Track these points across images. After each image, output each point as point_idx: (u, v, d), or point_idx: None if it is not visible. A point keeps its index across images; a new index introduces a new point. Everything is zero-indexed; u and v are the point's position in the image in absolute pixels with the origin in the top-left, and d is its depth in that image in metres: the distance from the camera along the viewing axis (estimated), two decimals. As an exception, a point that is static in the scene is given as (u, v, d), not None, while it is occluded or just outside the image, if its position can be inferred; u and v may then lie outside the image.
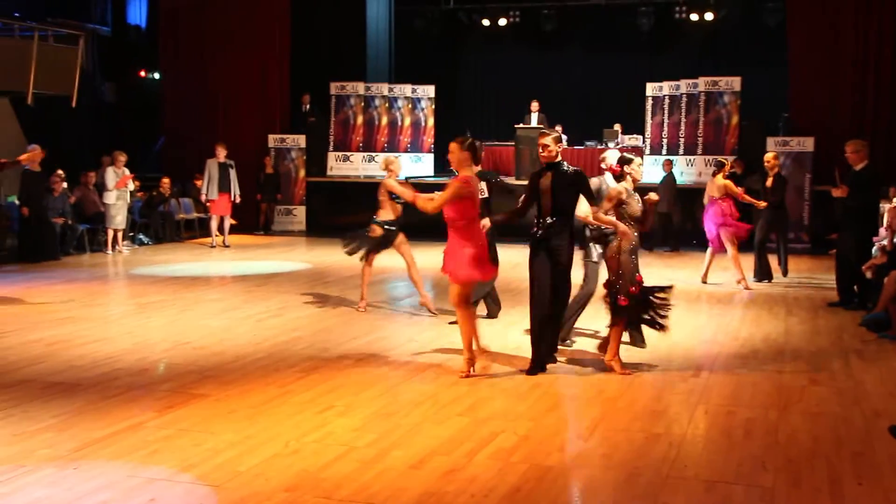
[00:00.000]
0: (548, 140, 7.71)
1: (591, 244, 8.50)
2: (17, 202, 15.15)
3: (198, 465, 5.40)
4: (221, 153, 16.76)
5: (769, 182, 12.76)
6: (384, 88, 20.86)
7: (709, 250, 12.59)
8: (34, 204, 14.73)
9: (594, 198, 7.78)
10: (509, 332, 9.29)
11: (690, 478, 5.27)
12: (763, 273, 12.81)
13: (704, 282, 12.61)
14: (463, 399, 6.87)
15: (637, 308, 7.66)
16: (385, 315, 10.34)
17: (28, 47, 17.09)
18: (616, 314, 7.64)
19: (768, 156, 13.05)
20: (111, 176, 15.79)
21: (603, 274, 8.09)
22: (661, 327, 7.78)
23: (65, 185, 15.86)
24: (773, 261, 13.03)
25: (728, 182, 12.48)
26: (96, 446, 5.73)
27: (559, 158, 7.73)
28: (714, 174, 12.62)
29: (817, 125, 17.19)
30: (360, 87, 20.59)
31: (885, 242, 10.62)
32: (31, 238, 14.74)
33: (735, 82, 17.96)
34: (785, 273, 13.09)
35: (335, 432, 6.06)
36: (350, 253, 10.33)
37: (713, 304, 11.12)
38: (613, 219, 7.62)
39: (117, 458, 5.52)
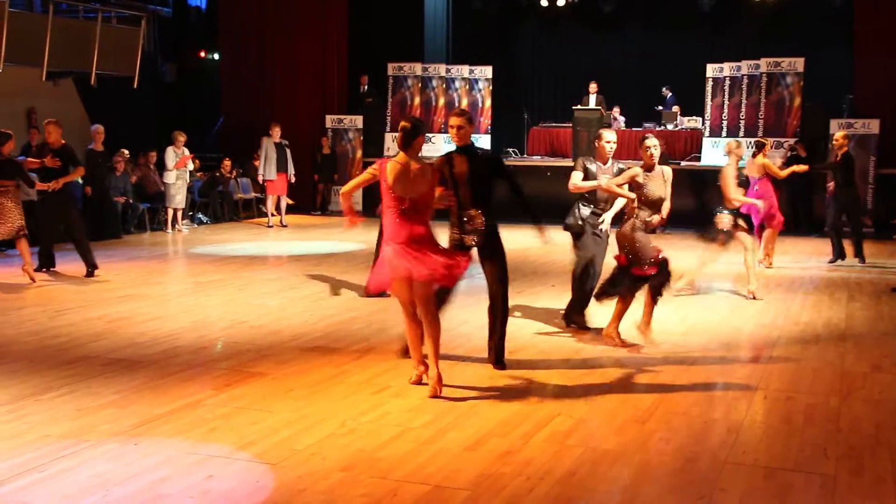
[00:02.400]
0: (462, 120, 7.01)
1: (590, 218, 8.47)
2: (80, 181, 15.42)
3: (255, 443, 5.46)
4: (277, 133, 16.91)
5: (834, 160, 12.74)
6: (441, 69, 20.84)
7: (765, 233, 12.43)
8: (97, 183, 15.00)
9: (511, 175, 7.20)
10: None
11: (749, 464, 5.22)
12: (839, 253, 12.80)
13: (770, 266, 12.46)
14: (518, 382, 6.87)
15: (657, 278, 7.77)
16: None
17: (91, 28, 17.43)
18: (629, 290, 7.78)
19: (838, 135, 13.08)
20: (171, 156, 16.01)
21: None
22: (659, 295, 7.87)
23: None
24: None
25: (767, 161, 12.34)
26: (156, 423, 5.83)
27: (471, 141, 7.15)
28: (754, 155, 12.50)
29: (883, 107, 16.84)
30: (418, 68, 20.60)
31: None
32: (94, 216, 15.03)
33: (798, 63, 17.62)
34: (861, 259, 12.85)
35: (391, 412, 6.09)
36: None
37: (772, 289, 10.95)
38: (624, 189, 7.74)
39: (176, 435, 5.60)
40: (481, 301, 9.97)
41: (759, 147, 12.47)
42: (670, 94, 21.21)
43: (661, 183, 7.72)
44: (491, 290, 7.24)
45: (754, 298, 10.10)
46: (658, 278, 7.71)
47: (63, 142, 11.44)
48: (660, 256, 7.69)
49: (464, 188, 6.89)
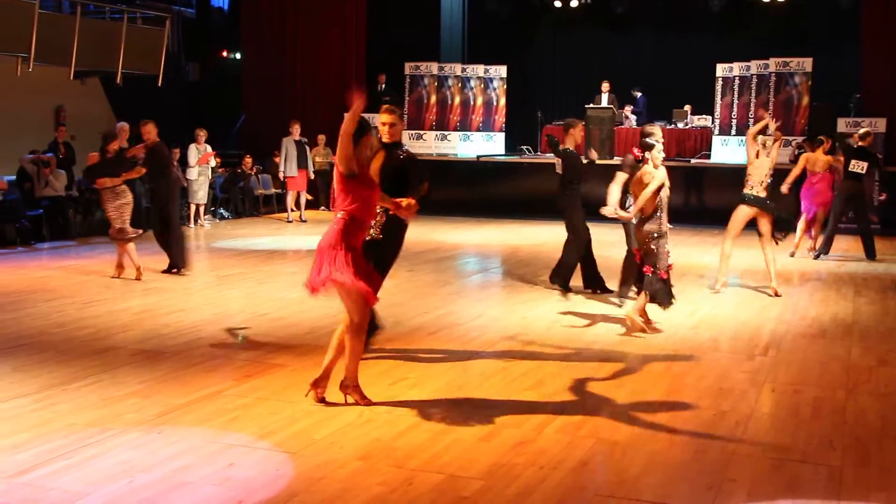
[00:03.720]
0: (394, 118, 6.91)
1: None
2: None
3: (275, 433, 5.56)
4: (296, 130, 17.09)
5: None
6: (457, 69, 20.97)
7: (800, 226, 12.68)
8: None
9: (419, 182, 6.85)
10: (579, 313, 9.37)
11: (757, 455, 5.29)
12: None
13: (793, 255, 12.80)
14: (531, 374, 6.96)
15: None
16: (455, 290, 10.45)
17: (118, 29, 17.71)
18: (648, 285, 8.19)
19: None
20: (193, 153, 16.20)
21: None
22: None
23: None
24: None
25: (829, 157, 12.65)
26: (179, 412, 5.95)
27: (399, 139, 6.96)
28: (813, 150, 12.77)
29: (889, 106, 16.92)
30: (434, 68, 20.73)
31: None
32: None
33: (806, 63, 17.66)
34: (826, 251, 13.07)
35: (407, 403, 6.17)
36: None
37: (780, 284, 10.93)
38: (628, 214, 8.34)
39: (199, 425, 5.71)
40: (493, 295, 10.11)
41: (819, 144, 12.72)
42: (640, 94, 21.29)
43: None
44: None
45: (776, 295, 10.14)
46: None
47: (157, 140, 11.55)
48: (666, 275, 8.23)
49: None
